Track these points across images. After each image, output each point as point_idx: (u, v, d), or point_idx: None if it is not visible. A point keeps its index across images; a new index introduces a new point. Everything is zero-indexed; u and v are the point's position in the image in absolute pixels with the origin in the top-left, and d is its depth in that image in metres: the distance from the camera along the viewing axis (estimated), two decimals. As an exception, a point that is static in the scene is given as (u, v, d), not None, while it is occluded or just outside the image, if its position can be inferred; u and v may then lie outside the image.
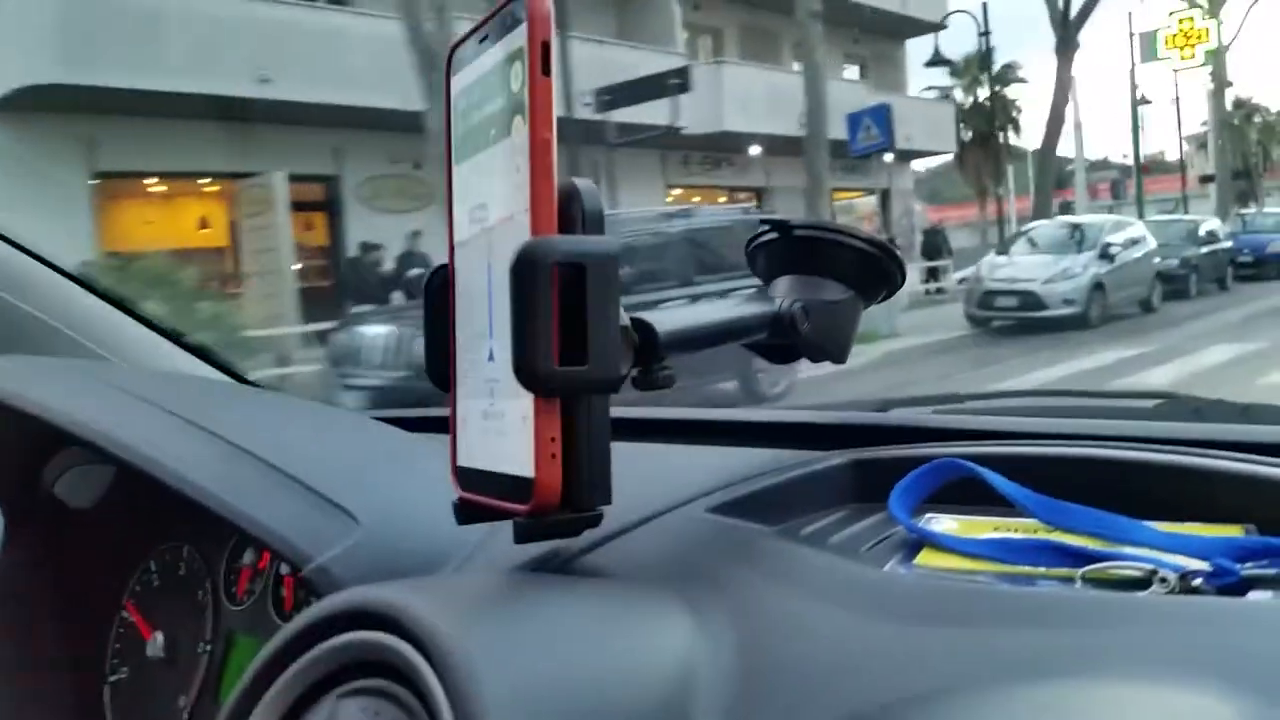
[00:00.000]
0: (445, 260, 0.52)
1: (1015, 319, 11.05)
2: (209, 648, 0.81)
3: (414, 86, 9.36)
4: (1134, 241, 12.39)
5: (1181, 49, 24.96)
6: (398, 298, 9.55)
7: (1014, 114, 30.34)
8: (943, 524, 0.54)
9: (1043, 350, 9.13)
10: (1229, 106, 41.87)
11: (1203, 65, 25.51)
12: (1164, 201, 30.01)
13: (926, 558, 0.51)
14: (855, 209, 17.97)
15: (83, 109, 10.37)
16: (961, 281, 14.51)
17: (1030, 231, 13.58)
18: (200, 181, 12.80)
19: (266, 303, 9.90)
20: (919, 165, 24.93)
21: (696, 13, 18.03)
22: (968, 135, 25.76)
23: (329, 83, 11.13)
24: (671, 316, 0.51)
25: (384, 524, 0.61)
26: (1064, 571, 0.47)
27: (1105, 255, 11.46)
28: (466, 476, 0.50)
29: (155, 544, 0.89)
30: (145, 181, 12.54)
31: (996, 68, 24.04)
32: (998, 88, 24.12)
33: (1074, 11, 19.03)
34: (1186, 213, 22.87)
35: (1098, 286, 11.17)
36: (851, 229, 0.66)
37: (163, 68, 10.08)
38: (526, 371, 0.42)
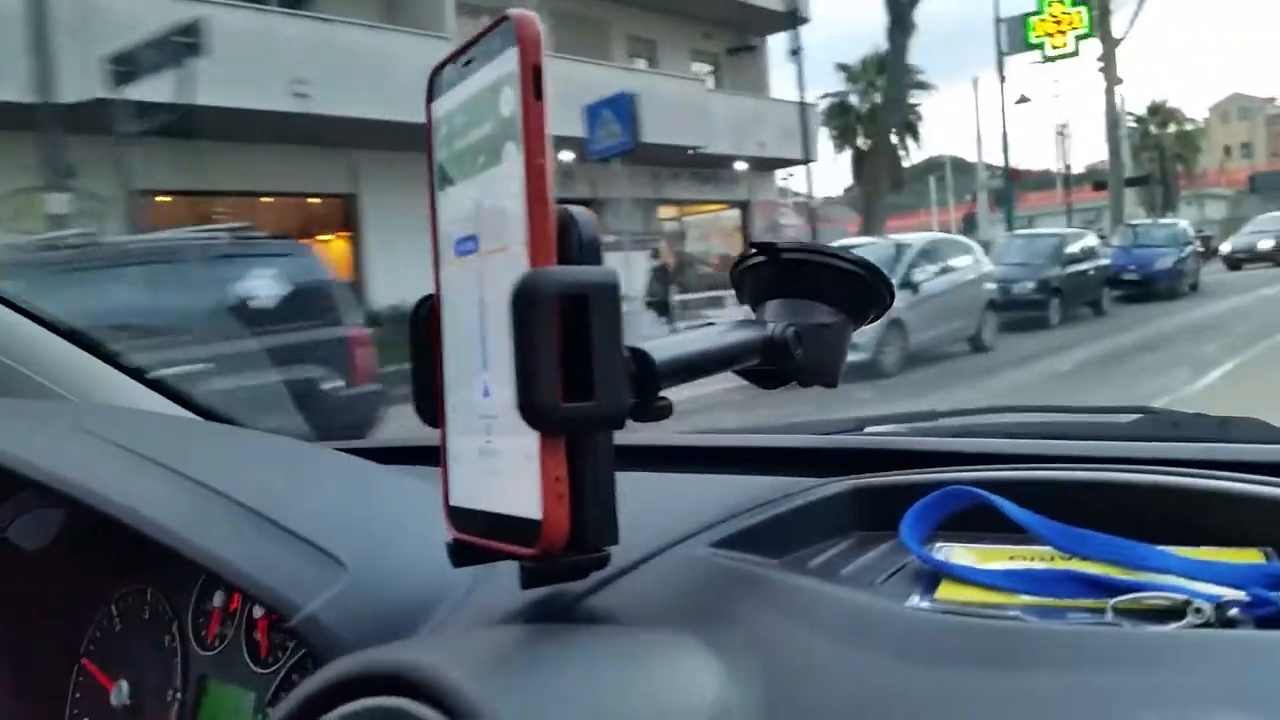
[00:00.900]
0: (430, 290, 0.49)
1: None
2: (179, 695, 0.77)
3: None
4: (950, 269, 10.19)
5: (1051, 35, 22.17)
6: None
7: (912, 119, 29.28)
8: (957, 554, 0.53)
9: (785, 405, 5.95)
10: (1144, 111, 42.14)
11: (1074, 55, 22.59)
12: (1086, 211, 28.32)
13: (947, 591, 0.49)
14: (691, 226, 16.54)
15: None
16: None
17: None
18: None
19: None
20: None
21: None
22: (866, 144, 24.63)
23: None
24: (665, 344, 0.49)
25: (371, 567, 0.58)
26: (1092, 603, 0.46)
27: (907, 284, 9.10)
28: (460, 516, 0.48)
29: (116, 587, 0.85)
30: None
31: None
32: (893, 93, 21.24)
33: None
34: (1118, 223, 20.94)
35: (893, 325, 8.56)
36: (839, 250, 0.64)
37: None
38: (532, 409, 0.40)
